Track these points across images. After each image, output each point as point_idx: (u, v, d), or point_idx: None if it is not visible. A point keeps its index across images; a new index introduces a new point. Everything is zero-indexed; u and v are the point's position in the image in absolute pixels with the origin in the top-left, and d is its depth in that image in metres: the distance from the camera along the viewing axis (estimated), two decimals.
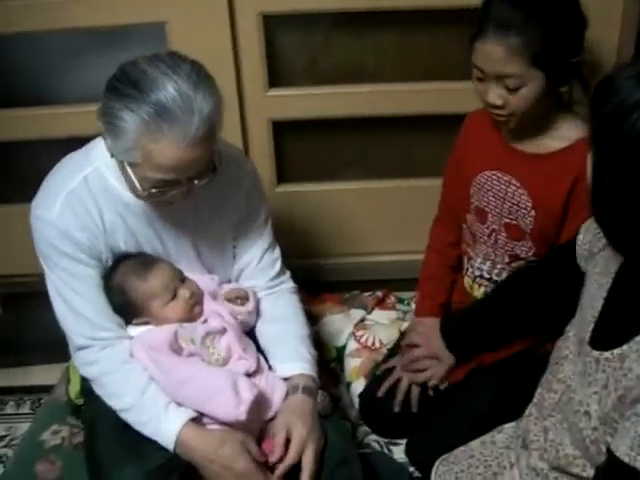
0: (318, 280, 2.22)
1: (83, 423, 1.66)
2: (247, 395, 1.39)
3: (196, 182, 1.35)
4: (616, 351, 1.08)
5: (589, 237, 1.29)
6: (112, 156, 1.36)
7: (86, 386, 1.55)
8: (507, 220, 1.65)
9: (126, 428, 1.42)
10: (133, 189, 1.39)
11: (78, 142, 1.52)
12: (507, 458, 1.37)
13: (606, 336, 1.13)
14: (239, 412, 1.38)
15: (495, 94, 1.48)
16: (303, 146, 2.21)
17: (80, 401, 1.67)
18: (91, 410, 1.54)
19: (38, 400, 2.02)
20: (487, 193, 1.66)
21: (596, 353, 1.13)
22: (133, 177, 1.34)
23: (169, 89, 1.24)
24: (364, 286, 2.23)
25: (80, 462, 1.54)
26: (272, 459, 1.40)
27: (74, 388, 1.68)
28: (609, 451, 1.05)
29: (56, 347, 1.69)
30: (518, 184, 1.60)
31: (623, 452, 1.01)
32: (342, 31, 2.03)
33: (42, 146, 2.07)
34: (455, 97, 1.96)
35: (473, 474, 1.38)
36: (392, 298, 2.19)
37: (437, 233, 1.87)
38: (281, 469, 1.39)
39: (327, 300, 2.17)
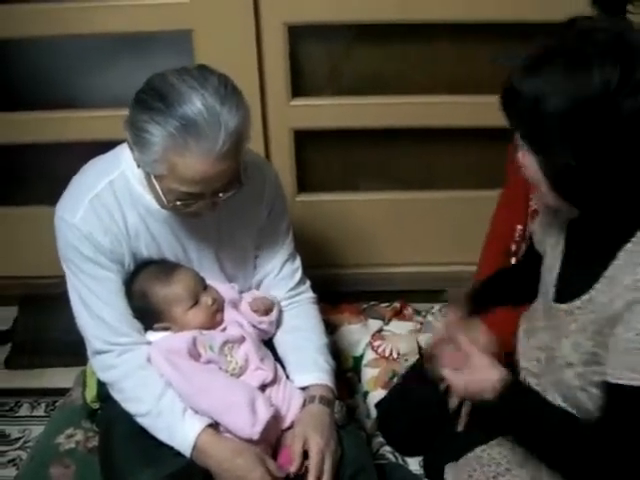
0: (336, 290, 2.22)
1: (98, 427, 1.65)
2: (263, 416, 1.39)
3: (221, 195, 1.35)
4: (584, 297, 1.11)
5: (539, 223, 1.35)
6: (139, 166, 1.36)
7: (104, 391, 1.55)
8: None
9: (142, 434, 1.42)
10: (158, 200, 1.39)
11: (103, 146, 1.53)
12: (514, 456, 1.37)
13: (571, 288, 1.16)
14: (253, 432, 1.38)
15: None
16: (324, 156, 2.22)
17: (96, 405, 1.67)
18: (108, 414, 1.54)
19: (53, 403, 2.02)
20: None
21: (565, 306, 1.16)
22: (158, 189, 1.34)
23: (196, 103, 1.23)
24: (382, 297, 2.23)
25: (94, 466, 1.54)
26: (292, 469, 1.40)
27: (90, 392, 1.68)
28: (605, 384, 1.08)
29: (71, 350, 1.70)
30: None
31: (616, 376, 1.05)
32: (365, 42, 2.04)
33: (63, 150, 2.09)
34: (478, 111, 1.97)
35: (486, 472, 1.38)
36: (409, 309, 2.19)
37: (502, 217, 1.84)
38: None
39: (345, 310, 2.17)
